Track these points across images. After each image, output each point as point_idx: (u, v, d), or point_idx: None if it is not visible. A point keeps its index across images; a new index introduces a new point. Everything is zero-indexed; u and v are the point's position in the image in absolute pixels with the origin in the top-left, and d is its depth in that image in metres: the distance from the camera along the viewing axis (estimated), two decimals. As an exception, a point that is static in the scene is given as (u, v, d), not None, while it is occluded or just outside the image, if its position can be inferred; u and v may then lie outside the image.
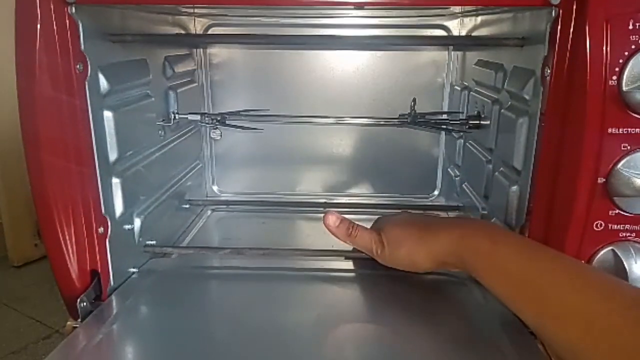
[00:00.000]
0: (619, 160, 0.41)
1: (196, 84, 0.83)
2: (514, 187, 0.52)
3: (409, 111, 0.72)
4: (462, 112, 0.76)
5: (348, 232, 0.52)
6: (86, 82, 0.47)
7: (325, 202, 0.85)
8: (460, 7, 0.63)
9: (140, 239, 0.59)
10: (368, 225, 0.55)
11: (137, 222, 0.58)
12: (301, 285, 0.56)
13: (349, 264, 0.61)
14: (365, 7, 0.52)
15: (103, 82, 0.50)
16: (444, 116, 0.80)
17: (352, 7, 0.49)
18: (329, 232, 0.55)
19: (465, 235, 0.43)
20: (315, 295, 0.55)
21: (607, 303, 0.33)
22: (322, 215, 0.55)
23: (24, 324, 1.47)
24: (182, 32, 0.78)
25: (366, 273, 0.59)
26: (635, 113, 0.40)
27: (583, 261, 0.44)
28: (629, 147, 0.41)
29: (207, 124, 0.78)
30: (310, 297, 0.54)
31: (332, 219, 0.53)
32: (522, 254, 0.39)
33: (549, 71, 0.44)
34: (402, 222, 0.50)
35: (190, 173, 0.81)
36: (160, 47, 0.69)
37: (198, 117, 0.74)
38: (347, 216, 0.55)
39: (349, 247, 0.61)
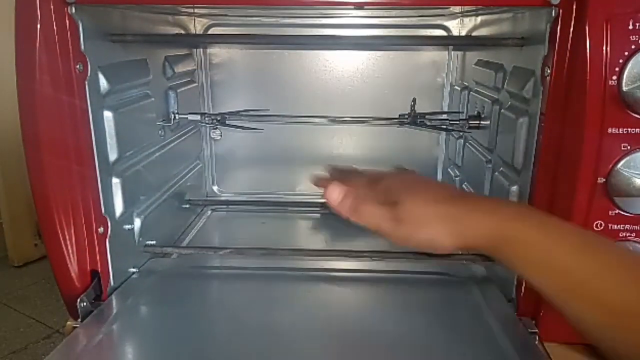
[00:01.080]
0: (619, 160, 0.41)
1: (196, 84, 0.83)
2: (514, 187, 0.52)
3: (409, 111, 0.72)
4: (462, 112, 0.76)
5: (352, 207, 0.43)
6: (86, 82, 0.47)
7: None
8: (460, 7, 0.63)
9: (140, 239, 0.59)
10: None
11: (137, 222, 0.58)
12: (301, 285, 0.56)
13: (349, 264, 0.61)
14: (365, 7, 0.52)
15: (103, 82, 0.50)
16: (444, 116, 0.80)
17: (352, 7, 0.49)
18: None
19: (505, 220, 0.37)
20: (315, 295, 0.55)
21: None
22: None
23: (24, 324, 1.47)
24: (182, 32, 0.78)
25: (366, 274, 0.59)
26: (635, 113, 0.40)
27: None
28: (629, 147, 0.41)
29: (207, 124, 0.78)
30: (310, 296, 0.54)
31: (335, 194, 0.44)
32: (577, 248, 0.34)
33: (548, 71, 0.44)
34: (424, 196, 0.41)
35: (190, 173, 0.81)
36: (160, 47, 0.69)
37: (198, 117, 0.75)
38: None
39: (349, 247, 0.61)
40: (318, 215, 0.82)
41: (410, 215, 0.40)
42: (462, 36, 0.79)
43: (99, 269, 0.50)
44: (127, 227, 0.57)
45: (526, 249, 0.36)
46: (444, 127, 0.76)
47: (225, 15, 0.80)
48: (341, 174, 0.48)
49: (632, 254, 0.37)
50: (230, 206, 0.87)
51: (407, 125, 0.73)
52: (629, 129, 0.41)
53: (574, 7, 0.41)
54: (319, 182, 0.48)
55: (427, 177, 0.46)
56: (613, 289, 0.32)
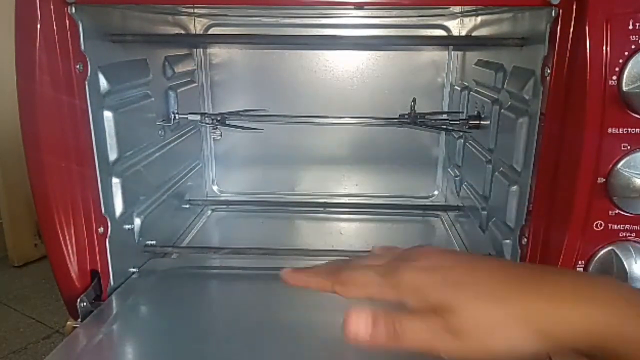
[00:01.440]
0: (618, 160, 0.41)
1: (196, 84, 0.83)
2: (514, 187, 0.52)
3: (409, 111, 0.72)
4: (462, 112, 0.76)
5: (390, 332, 0.30)
6: (86, 82, 0.47)
7: (325, 202, 0.85)
8: (460, 7, 0.63)
9: (140, 239, 0.59)
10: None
11: (137, 222, 0.58)
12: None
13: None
14: (365, 7, 0.52)
15: (103, 82, 0.50)
16: (444, 116, 0.80)
17: (352, 7, 0.49)
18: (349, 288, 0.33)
19: (619, 318, 0.28)
20: (314, 294, 0.55)
21: None
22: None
23: (24, 324, 1.47)
24: (182, 32, 0.78)
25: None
26: (635, 113, 0.40)
27: (583, 262, 0.44)
28: (628, 147, 0.41)
29: (207, 124, 0.78)
30: (310, 296, 0.54)
31: (363, 324, 0.30)
32: None
33: (548, 71, 0.44)
34: (484, 291, 0.30)
35: (191, 173, 0.81)
36: (160, 47, 0.69)
37: (198, 117, 0.75)
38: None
39: (350, 247, 0.61)
40: (318, 215, 0.82)
41: (473, 325, 0.29)
42: (462, 36, 0.79)
43: (99, 269, 0.50)
44: (127, 227, 0.57)
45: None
46: (444, 127, 0.76)
47: (225, 15, 0.80)
48: (334, 270, 0.34)
49: None
50: (230, 206, 0.87)
51: (407, 125, 0.73)
52: (629, 129, 0.40)
53: (574, 7, 0.41)
54: (305, 280, 0.35)
55: (463, 253, 0.35)
56: None
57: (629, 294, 0.30)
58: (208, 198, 0.89)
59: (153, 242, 0.62)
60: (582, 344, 0.28)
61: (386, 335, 0.30)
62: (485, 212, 0.63)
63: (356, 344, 0.30)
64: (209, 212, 0.85)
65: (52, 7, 0.43)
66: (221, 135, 0.86)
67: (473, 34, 0.75)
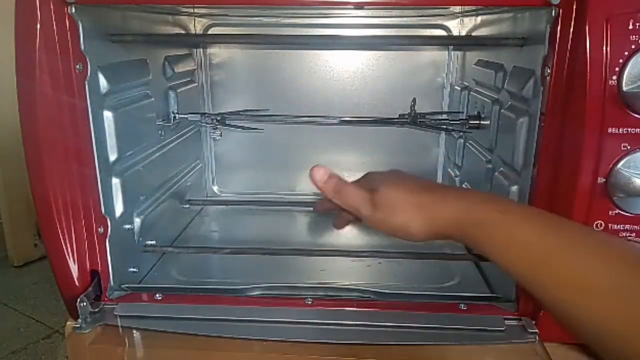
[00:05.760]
0: (619, 160, 0.41)
1: (196, 84, 0.83)
2: (514, 187, 0.52)
3: (409, 111, 0.72)
4: (462, 112, 0.76)
5: (336, 188, 0.46)
6: (86, 82, 0.47)
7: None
8: (460, 7, 0.63)
9: (140, 239, 0.59)
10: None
11: (137, 222, 0.58)
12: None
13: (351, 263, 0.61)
14: (365, 7, 0.52)
15: (103, 82, 0.50)
16: (444, 116, 0.80)
17: (352, 7, 0.49)
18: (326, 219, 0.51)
19: (472, 205, 0.39)
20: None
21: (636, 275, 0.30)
22: (322, 215, 0.55)
23: (24, 324, 1.47)
24: (182, 32, 0.78)
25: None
26: (635, 113, 0.40)
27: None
28: (629, 147, 0.41)
29: (207, 124, 0.78)
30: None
31: (320, 174, 0.46)
32: (539, 228, 0.36)
33: (549, 71, 0.44)
34: (400, 186, 0.44)
35: (191, 173, 0.81)
36: (160, 47, 0.69)
37: (198, 117, 0.75)
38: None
39: (350, 247, 0.61)
40: (318, 214, 0.82)
41: (386, 201, 0.43)
42: (462, 36, 0.79)
43: (99, 269, 0.50)
44: (127, 227, 0.57)
45: (490, 230, 0.37)
46: (444, 127, 0.76)
47: (225, 15, 0.80)
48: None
49: (594, 233, 0.38)
50: (230, 206, 0.87)
51: (407, 125, 0.73)
52: (629, 129, 0.41)
53: (574, 7, 0.41)
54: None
55: (410, 174, 0.47)
56: (573, 265, 0.33)
57: (485, 194, 0.42)
58: (208, 198, 0.89)
59: (153, 242, 0.62)
60: (450, 229, 0.40)
61: (332, 190, 0.46)
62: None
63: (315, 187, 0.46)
64: (209, 212, 0.85)
65: (52, 7, 0.43)
66: (221, 135, 0.86)
67: (473, 34, 0.75)
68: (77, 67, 0.46)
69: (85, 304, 0.48)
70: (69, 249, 0.48)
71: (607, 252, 0.33)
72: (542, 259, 0.34)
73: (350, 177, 0.48)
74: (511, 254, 0.36)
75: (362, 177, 0.48)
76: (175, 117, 0.71)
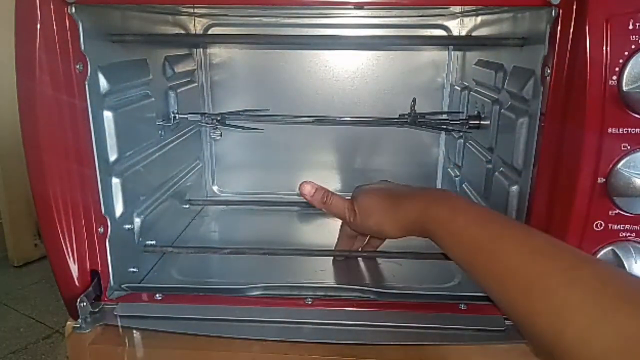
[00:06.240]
0: (618, 160, 0.41)
1: (196, 84, 0.83)
2: (514, 187, 0.52)
3: (409, 111, 0.72)
4: (462, 112, 0.76)
5: (323, 199, 0.55)
6: (86, 82, 0.47)
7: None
8: (460, 7, 0.63)
9: (140, 239, 0.59)
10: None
11: (137, 222, 0.58)
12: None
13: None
14: (365, 7, 0.52)
15: (103, 82, 0.50)
16: (444, 116, 0.80)
17: (352, 7, 0.49)
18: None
19: (428, 204, 0.45)
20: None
21: (547, 265, 0.34)
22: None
23: (24, 324, 1.48)
24: (182, 32, 0.78)
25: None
26: (635, 113, 0.40)
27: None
28: (628, 147, 0.41)
29: (207, 124, 0.78)
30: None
31: (308, 188, 0.55)
32: (477, 222, 0.41)
33: (549, 71, 0.44)
34: (373, 192, 0.53)
35: (190, 173, 0.81)
36: (160, 47, 0.69)
37: (198, 117, 0.74)
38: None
39: (351, 247, 0.61)
40: (318, 215, 0.82)
41: (362, 208, 0.52)
42: (462, 36, 0.79)
43: (99, 269, 0.50)
44: (127, 227, 0.57)
45: (440, 226, 0.43)
46: (444, 127, 0.76)
47: (225, 15, 0.80)
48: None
49: (526, 228, 0.42)
50: (230, 206, 0.87)
51: (407, 125, 0.73)
52: (629, 129, 0.41)
53: (574, 7, 0.41)
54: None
55: (396, 184, 0.55)
56: (499, 253, 0.37)
57: (441, 193, 0.49)
58: (208, 198, 0.89)
59: (153, 242, 0.62)
60: (414, 227, 0.47)
61: (319, 201, 0.55)
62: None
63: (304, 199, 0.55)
64: (209, 212, 0.85)
65: (52, 7, 0.43)
66: (221, 136, 0.86)
67: (473, 34, 0.75)
68: (77, 67, 0.46)
69: (85, 304, 0.48)
70: (69, 249, 0.48)
71: (528, 245, 0.37)
72: (473, 250, 0.39)
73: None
74: (452, 246, 0.42)
75: (353, 190, 0.56)
76: (175, 117, 0.71)
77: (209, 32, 0.82)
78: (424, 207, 0.45)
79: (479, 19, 0.72)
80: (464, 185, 0.76)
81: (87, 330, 0.48)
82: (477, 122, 0.67)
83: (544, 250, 0.36)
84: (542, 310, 0.32)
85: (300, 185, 0.56)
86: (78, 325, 0.48)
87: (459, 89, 0.79)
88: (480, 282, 0.39)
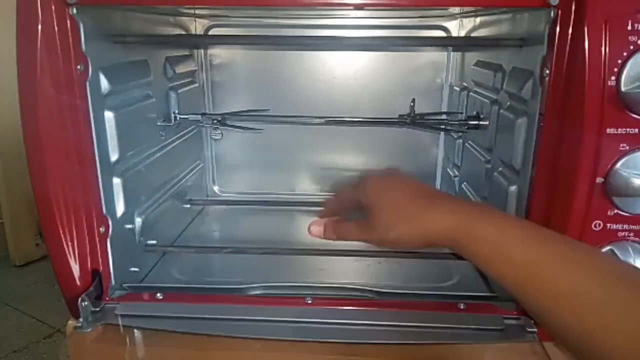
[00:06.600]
0: (617, 160, 0.41)
1: (197, 85, 0.83)
2: (513, 187, 0.52)
3: (409, 112, 0.72)
4: (462, 113, 0.76)
5: (334, 231, 0.49)
6: (87, 83, 0.47)
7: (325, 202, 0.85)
8: (459, 8, 0.63)
9: (141, 239, 0.59)
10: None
11: (138, 222, 0.59)
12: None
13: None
14: (365, 8, 0.52)
15: (104, 83, 0.51)
16: (443, 117, 0.80)
17: (352, 8, 0.49)
18: None
19: (465, 220, 0.40)
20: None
21: (618, 285, 0.32)
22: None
23: (26, 323, 1.48)
24: (183, 33, 0.78)
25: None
26: (634, 113, 0.40)
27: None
28: (627, 147, 0.41)
29: (208, 124, 0.78)
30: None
31: (315, 229, 0.50)
32: (530, 242, 0.37)
33: (547, 72, 0.44)
34: (392, 201, 0.45)
35: (191, 173, 0.81)
36: (161, 48, 0.69)
37: (199, 118, 0.75)
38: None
39: (351, 247, 0.61)
40: (318, 214, 0.83)
41: (379, 221, 0.45)
42: (462, 37, 0.79)
43: (100, 269, 0.51)
44: (128, 226, 0.57)
45: (482, 244, 0.39)
46: (443, 127, 0.77)
47: (226, 16, 0.80)
48: (335, 191, 0.52)
49: (581, 246, 0.39)
50: (230, 206, 0.87)
51: (406, 125, 0.74)
52: (628, 129, 0.41)
53: (573, 8, 0.41)
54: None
55: (403, 178, 0.47)
56: (556, 275, 0.35)
57: (477, 206, 0.43)
58: (209, 198, 0.89)
59: (154, 242, 0.62)
60: (444, 241, 0.41)
61: (332, 234, 0.48)
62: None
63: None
64: (210, 211, 0.85)
65: (53, 8, 0.44)
66: (222, 136, 0.87)
67: (472, 34, 0.75)
68: (79, 67, 0.46)
69: (86, 303, 0.48)
70: (71, 249, 0.48)
71: (595, 265, 0.34)
72: (526, 273, 0.36)
73: (350, 177, 0.49)
74: (500, 268, 0.38)
75: (358, 185, 0.48)
76: (176, 117, 0.71)
77: (210, 33, 0.83)
78: (461, 224, 0.40)
79: (478, 20, 0.72)
80: (463, 185, 0.76)
81: (89, 330, 0.48)
82: (476, 122, 0.67)
83: (612, 269, 0.34)
84: (615, 328, 0.31)
85: (308, 228, 0.50)
86: (79, 325, 0.48)
87: (458, 89, 0.79)
88: (534, 303, 0.36)
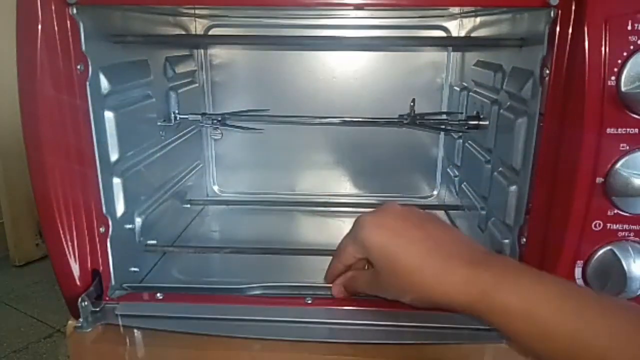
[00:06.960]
0: (617, 160, 0.41)
1: (197, 85, 0.83)
2: (513, 187, 0.52)
3: (409, 112, 0.72)
4: (462, 113, 0.76)
5: (349, 290, 0.50)
6: (87, 83, 0.47)
7: (325, 202, 0.86)
8: (459, 8, 0.63)
9: (141, 239, 0.60)
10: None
11: (138, 222, 0.59)
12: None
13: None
14: (365, 7, 0.52)
15: (104, 83, 0.51)
16: (443, 117, 0.80)
17: (352, 8, 0.49)
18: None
19: (484, 292, 0.36)
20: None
21: None
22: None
23: (26, 323, 1.48)
24: (183, 33, 0.78)
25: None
26: (634, 113, 0.40)
27: (581, 261, 0.44)
28: (627, 147, 0.41)
29: (208, 124, 0.78)
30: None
31: (337, 291, 0.50)
32: (567, 312, 0.34)
33: (547, 72, 0.44)
34: (398, 265, 0.41)
35: (191, 173, 0.81)
36: (161, 48, 0.69)
37: (199, 118, 0.75)
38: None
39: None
40: (318, 214, 0.83)
41: (388, 286, 0.44)
42: (462, 37, 0.79)
43: (100, 269, 0.51)
44: (128, 226, 0.57)
45: (510, 318, 0.35)
46: (443, 127, 0.77)
47: (226, 16, 0.80)
48: (335, 255, 0.51)
49: (624, 308, 0.36)
50: (230, 206, 0.87)
51: (406, 125, 0.74)
52: (628, 129, 0.41)
53: (573, 8, 0.41)
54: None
55: (404, 222, 0.43)
56: (598, 338, 0.32)
57: (496, 269, 0.38)
58: (209, 198, 0.89)
59: (154, 242, 0.62)
60: (461, 310, 0.38)
61: (349, 293, 0.50)
62: (484, 212, 0.64)
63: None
64: (210, 211, 0.85)
65: (53, 7, 0.44)
66: (222, 136, 0.87)
67: (472, 34, 0.75)
68: (78, 67, 0.46)
69: (86, 303, 0.48)
70: (70, 249, 0.48)
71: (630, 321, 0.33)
72: (569, 347, 0.33)
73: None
74: (536, 343, 0.35)
75: (355, 228, 0.47)
76: (176, 117, 0.71)
77: (210, 33, 0.83)
78: (479, 295, 0.36)
79: (478, 20, 0.72)
80: (463, 185, 0.76)
81: (88, 330, 0.48)
82: (476, 122, 0.67)
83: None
84: None
85: (332, 290, 0.51)
86: (79, 325, 0.48)
87: (458, 89, 0.79)
88: None
